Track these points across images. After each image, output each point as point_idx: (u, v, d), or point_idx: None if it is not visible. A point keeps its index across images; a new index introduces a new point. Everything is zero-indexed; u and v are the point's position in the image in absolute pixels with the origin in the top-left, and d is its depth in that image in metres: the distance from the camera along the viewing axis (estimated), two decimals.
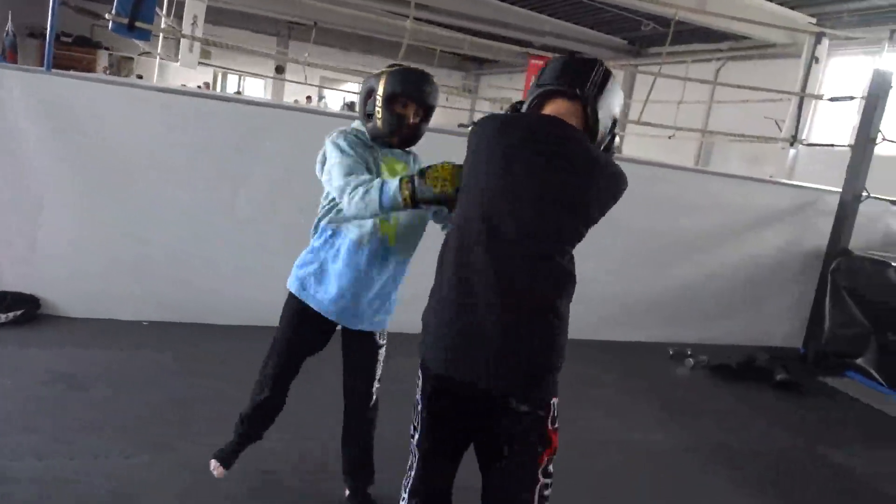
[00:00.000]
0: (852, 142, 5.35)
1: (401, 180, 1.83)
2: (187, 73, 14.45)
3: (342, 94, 19.30)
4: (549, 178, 1.57)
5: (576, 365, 3.74)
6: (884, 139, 5.06)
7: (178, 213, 3.95)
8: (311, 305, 2.19)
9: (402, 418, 1.97)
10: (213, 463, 2.37)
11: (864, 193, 5.10)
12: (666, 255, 5.03)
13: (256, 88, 21.10)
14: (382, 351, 2.34)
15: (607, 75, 1.65)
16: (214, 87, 20.23)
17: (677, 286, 5.09)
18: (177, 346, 3.73)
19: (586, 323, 4.77)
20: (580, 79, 1.62)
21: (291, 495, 2.51)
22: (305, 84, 10.30)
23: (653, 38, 12.42)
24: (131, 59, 15.69)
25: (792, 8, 8.44)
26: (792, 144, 6.91)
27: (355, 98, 20.39)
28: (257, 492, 2.50)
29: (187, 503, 2.37)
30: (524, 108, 1.71)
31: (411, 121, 2.11)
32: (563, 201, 1.58)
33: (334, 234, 2.14)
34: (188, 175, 3.94)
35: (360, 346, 2.30)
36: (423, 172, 1.82)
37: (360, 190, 1.90)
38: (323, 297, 2.17)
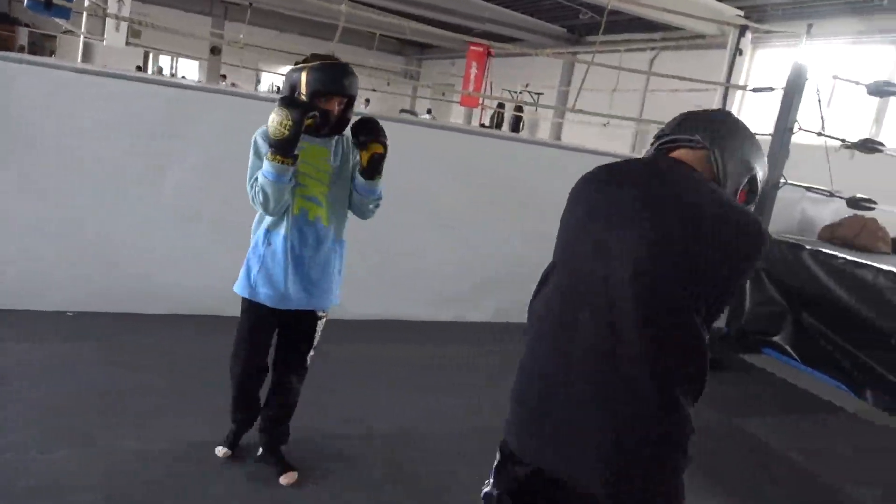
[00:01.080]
0: None
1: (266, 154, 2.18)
2: (119, 55, 13.85)
3: (280, 77, 18.88)
4: (657, 230, 1.29)
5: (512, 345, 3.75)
6: (800, 128, 5.31)
7: (102, 199, 3.82)
8: (266, 304, 2.35)
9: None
10: (219, 448, 2.60)
11: (782, 180, 5.35)
12: None
13: (191, 70, 20.43)
14: (322, 322, 2.49)
15: (733, 121, 1.48)
16: (145, 68, 19.48)
17: None
18: (102, 336, 3.61)
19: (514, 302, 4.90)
20: (699, 124, 1.44)
21: (219, 478, 2.49)
22: (241, 67, 10.03)
23: (591, 26, 12.65)
24: (54, 37, 14.90)
25: (721, 0, 8.73)
26: None
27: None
28: (181, 478, 2.47)
29: (106, 494, 2.32)
30: None
31: (336, 113, 2.27)
32: (674, 261, 1.28)
33: (269, 232, 2.32)
34: (113, 158, 3.80)
35: (303, 319, 2.45)
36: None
37: (255, 187, 2.21)
38: (272, 292, 2.33)
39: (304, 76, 2.22)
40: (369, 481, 2.66)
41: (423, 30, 6.82)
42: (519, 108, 14.42)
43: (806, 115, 5.41)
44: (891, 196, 5.61)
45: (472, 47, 11.11)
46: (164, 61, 20.75)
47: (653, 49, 11.59)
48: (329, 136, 2.32)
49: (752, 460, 3.48)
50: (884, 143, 5.68)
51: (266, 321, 2.42)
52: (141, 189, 3.90)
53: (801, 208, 5.99)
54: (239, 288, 2.38)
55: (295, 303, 2.36)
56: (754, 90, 6.97)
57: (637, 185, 1.37)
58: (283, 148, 2.11)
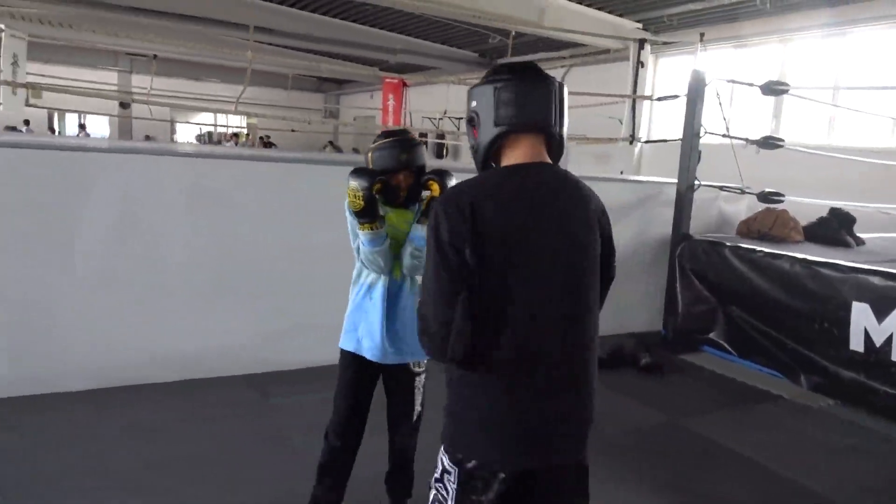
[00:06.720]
0: None
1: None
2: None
3: (196, 126, 18.49)
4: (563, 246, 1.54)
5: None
6: (706, 132, 5.56)
7: (14, 274, 3.59)
8: (368, 357, 2.43)
9: None
10: None
11: (696, 182, 5.58)
12: None
13: (101, 126, 19.72)
14: (420, 379, 2.55)
15: (560, 87, 1.57)
16: (52, 129, 18.72)
17: None
18: (124, 406, 3.35)
19: None
20: (546, 110, 1.54)
21: None
22: (152, 119, 9.76)
23: (501, 49, 12.95)
24: None
25: (620, 15, 9.12)
26: (631, 142, 7.42)
27: (210, 128, 19.67)
28: None
29: None
30: (481, 153, 1.58)
31: (404, 184, 2.40)
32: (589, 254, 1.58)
33: (371, 287, 2.42)
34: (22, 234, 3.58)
35: (400, 375, 2.52)
36: None
37: (362, 254, 2.38)
38: (374, 347, 2.41)
39: (370, 158, 2.41)
40: None
41: (336, 68, 6.82)
42: (440, 136, 14.57)
43: (711, 117, 5.68)
44: (796, 185, 5.93)
45: (387, 79, 11.19)
46: (73, 117, 19.98)
47: (563, 66, 11.96)
48: (406, 205, 2.44)
49: (696, 455, 3.54)
50: (783, 138, 6.01)
51: (366, 374, 2.49)
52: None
53: (717, 206, 6.24)
54: (345, 343, 2.48)
55: (391, 356, 2.44)
56: (659, 99, 7.28)
57: (529, 214, 1.52)
58: (364, 215, 2.27)
